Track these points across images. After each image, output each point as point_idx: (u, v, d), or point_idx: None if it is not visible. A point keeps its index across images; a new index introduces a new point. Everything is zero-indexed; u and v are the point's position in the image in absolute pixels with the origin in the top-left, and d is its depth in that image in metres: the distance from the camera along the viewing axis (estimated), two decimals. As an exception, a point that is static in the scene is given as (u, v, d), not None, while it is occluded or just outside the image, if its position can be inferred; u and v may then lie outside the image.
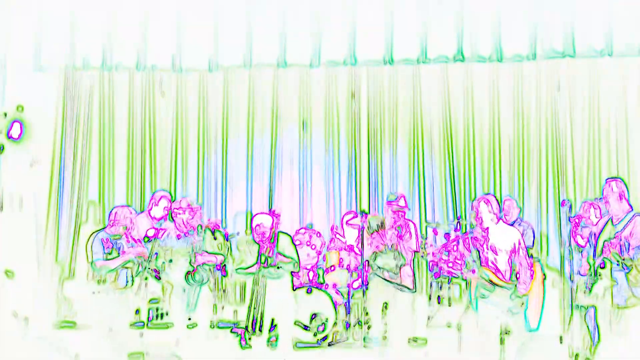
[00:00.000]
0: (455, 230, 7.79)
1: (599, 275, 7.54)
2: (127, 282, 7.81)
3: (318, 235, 7.87)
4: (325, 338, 7.68)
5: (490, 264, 7.65)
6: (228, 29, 8.09)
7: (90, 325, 7.77)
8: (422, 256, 7.75)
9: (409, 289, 7.72)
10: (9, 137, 7.98)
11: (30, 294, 7.84)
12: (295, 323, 7.67)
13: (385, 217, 7.87)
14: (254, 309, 7.70)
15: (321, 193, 7.98)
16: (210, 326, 7.74)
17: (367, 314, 7.69)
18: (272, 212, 7.90)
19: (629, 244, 7.57)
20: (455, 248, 7.74)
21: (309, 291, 7.74)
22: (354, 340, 7.67)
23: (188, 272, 7.79)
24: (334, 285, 7.76)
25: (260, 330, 7.68)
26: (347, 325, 7.68)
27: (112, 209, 7.96)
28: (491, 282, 7.62)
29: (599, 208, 7.67)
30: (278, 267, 7.75)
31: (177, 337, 7.74)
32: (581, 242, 7.65)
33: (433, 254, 7.77)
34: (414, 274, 7.75)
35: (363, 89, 8.05)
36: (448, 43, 8.01)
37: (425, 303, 7.70)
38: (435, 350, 7.63)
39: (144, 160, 8.06)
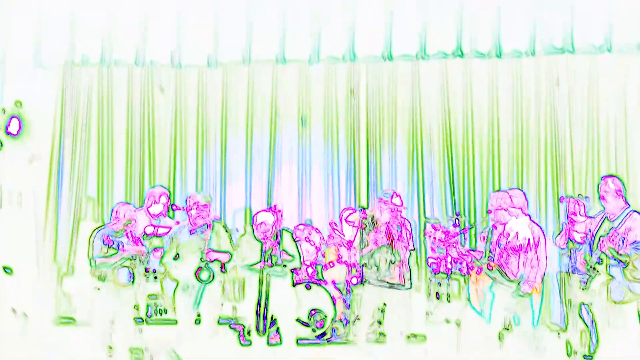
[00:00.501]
0: (454, 226, 7.79)
1: (596, 271, 7.54)
2: (129, 279, 7.81)
3: (317, 231, 7.87)
4: (324, 334, 7.68)
5: (502, 259, 7.65)
6: (227, 25, 8.09)
7: (89, 322, 7.78)
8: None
9: (402, 286, 7.71)
10: (8, 133, 7.98)
11: (29, 291, 7.85)
12: (296, 320, 7.68)
13: (375, 213, 7.87)
14: (260, 308, 7.71)
15: (320, 189, 7.98)
16: (218, 322, 7.75)
17: (365, 310, 7.70)
18: (273, 209, 7.90)
19: (624, 240, 7.57)
20: (455, 244, 7.75)
21: (307, 287, 7.74)
22: (353, 337, 7.68)
23: (197, 269, 7.79)
24: (333, 282, 7.76)
25: (265, 329, 7.69)
26: (346, 322, 7.69)
27: (114, 206, 7.96)
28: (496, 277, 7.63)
29: (583, 205, 7.67)
30: (284, 266, 7.75)
31: (179, 334, 7.75)
32: (577, 238, 7.66)
33: (432, 249, 7.78)
34: (410, 272, 7.75)
35: (362, 85, 8.05)
36: (447, 39, 8.01)
37: (424, 299, 7.71)
38: (434, 346, 7.63)
39: (143, 157, 8.06)
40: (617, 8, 7.90)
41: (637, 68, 7.87)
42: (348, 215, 7.88)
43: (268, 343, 7.69)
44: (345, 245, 7.83)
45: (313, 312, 7.71)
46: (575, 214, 7.67)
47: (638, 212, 7.64)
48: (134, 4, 8.12)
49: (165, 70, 8.11)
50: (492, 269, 7.65)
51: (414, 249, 7.79)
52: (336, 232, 7.86)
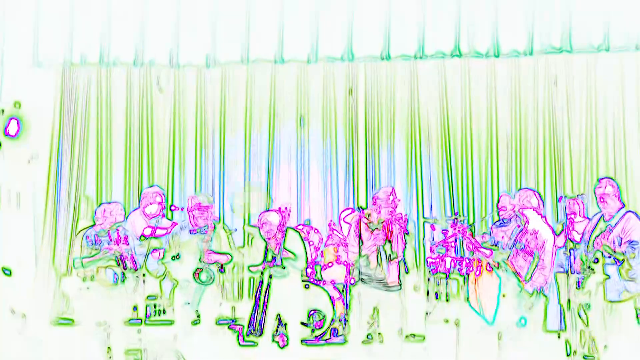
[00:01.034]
0: (452, 226, 7.80)
1: (592, 270, 7.56)
2: (114, 280, 7.80)
3: (316, 231, 7.88)
4: (323, 334, 7.69)
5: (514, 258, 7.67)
6: (225, 25, 8.08)
7: (88, 322, 7.78)
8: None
9: (396, 286, 7.72)
10: (7, 134, 7.97)
11: (28, 291, 7.84)
12: (301, 324, 7.69)
13: (371, 212, 7.88)
14: (258, 308, 7.71)
15: (319, 189, 7.98)
16: (216, 323, 7.76)
17: (364, 310, 7.71)
18: (280, 210, 7.89)
19: (621, 240, 7.59)
20: (453, 243, 7.76)
21: (306, 287, 7.75)
22: (352, 337, 7.68)
23: (196, 270, 7.79)
24: (332, 281, 7.77)
25: (260, 330, 7.69)
26: (344, 322, 7.69)
27: (100, 206, 7.95)
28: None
29: (583, 205, 7.70)
30: (283, 267, 7.75)
31: (177, 334, 7.75)
32: (577, 238, 7.68)
33: (431, 249, 7.79)
34: (405, 268, 7.75)
35: (360, 84, 8.04)
36: (445, 39, 8.01)
37: (423, 299, 7.72)
38: (433, 346, 7.64)
39: (141, 156, 8.06)
40: (614, 7, 7.90)
41: (634, 67, 7.87)
42: (346, 216, 7.88)
43: (278, 345, 7.69)
44: (344, 245, 7.83)
45: (312, 312, 7.71)
46: (575, 214, 7.69)
47: (633, 212, 7.66)
48: (132, 4, 8.10)
49: (163, 70, 8.10)
50: (498, 267, 7.66)
51: (408, 234, 7.79)
52: (335, 232, 7.87)
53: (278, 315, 7.68)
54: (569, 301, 7.59)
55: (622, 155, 7.80)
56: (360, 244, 7.81)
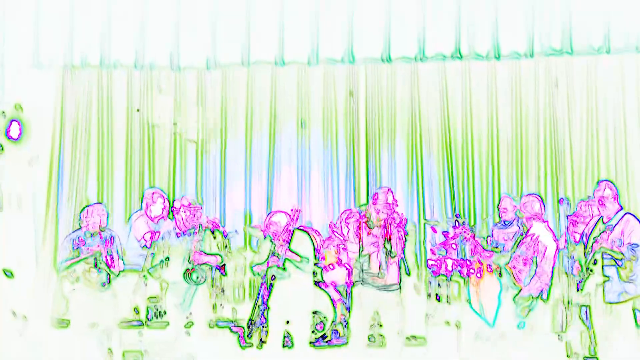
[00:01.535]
0: (454, 227, 7.80)
1: (591, 271, 7.56)
2: (104, 283, 7.81)
3: (317, 233, 7.88)
4: (324, 336, 7.69)
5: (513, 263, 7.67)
6: (226, 28, 8.08)
7: (89, 324, 7.78)
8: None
9: (394, 286, 7.72)
10: (9, 137, 7.97)
11: (29, 293, 7.84)
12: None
13: (371, 213, 7.88)
14: (258, 307, 7.72)
15: (320, 191, 7.98)
16: (209, 325, 7.75)
17: (365, 312, 7.71)
18: (292, 211, 7.88)
19: (622, 242, 7.60)
20: (455, 246, 7.76)
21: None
22: (353, 339, 7.69)
23: (187, 270, 7.79)
24: (333, 284, 7.77)
25: (260, 327, 7.69)
26: (345, 323, 7.69)
27: (84, 208, 7.94)
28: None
29: (593, 206, 7.71)
30: (284, 269, 7.74)
31: (175, 336, 7.75)
32: (576, 238, 7.69)
33: (432, 251, 7.79)
34: (406, 268, 7.76)
35: (361, 87, 8.05)
36: (446, 41, 8.01)
37: (424, 301, 7.72)
38: (434, 348, 7.64)
39: (142, 159, 8.06)
40: (614, 9, 7.90)
41: (635, 69, 7.88)
42: (347, 217, 7.88)
43: (283, 344, 7.70)
44: (345, 247, 7.83)
45: (313, 314, 7.71)
46: (583, 217, 7.69)
47: (632, 215, 7.67)
48: (133, 6, 8.11)
49: (164, 72, 8.11)
50: (499, 270, 7.66)
51: (407, 234, 7.79)
52: (336, 234, 7.87)
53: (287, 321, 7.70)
54: (569, 302, 7.59)
55: (622, 157, 7.80)
56: (361, 245, 7.81)
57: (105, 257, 7.81)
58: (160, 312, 7.77)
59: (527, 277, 7.64)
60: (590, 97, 7.89)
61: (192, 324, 7.74)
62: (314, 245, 7.82)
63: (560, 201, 7.77)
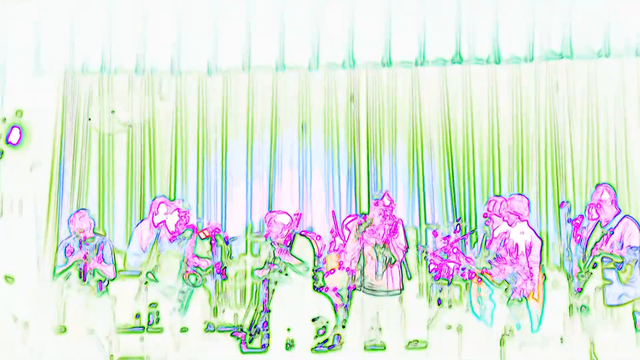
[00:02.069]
0: (455, 232, 7.80)
1: (590, 274, 7.57)
2: (100, 289, 7.81)
3: (318, 238, 7.87)
4: (326, 341, 7.68)
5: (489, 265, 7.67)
6: (227, 32, 8.09)
7: (89, 330, 7.78)
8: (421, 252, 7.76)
9: (396, 292, 7.72)
10: (8, 142, 7.97)
11: (30, 299, 7.84)
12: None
13: (373, 216, 7.88)
14: (258, 311, 7.71)
15: (321, 196, 7.98)
16: (205, 330, 7.74)
17: (366, 316, 7.71)
18: (295, 215, 7.88)
19: (622, 245, 7.61)
20: (455, 249, 7.76)
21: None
22: (354, 343, 7.68)
23: (184, 273, 7.79)
24: (334, 288, 7.76)
25: (259, 332, 7.69)
26: (346, 328, 7.70)
27: (71, 215, 7.94)
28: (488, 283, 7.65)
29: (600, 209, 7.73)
30: (286, 274, 7.74)
31: (174, 341, 7.75)
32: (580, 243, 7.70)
33: (433, 254, 7.79)
34: (408, 273, 7.75)
35: (362, 91, 8.05)
36: (446, 45, 8.02)
37: (425, 305, 7.71)
38: (435, 352, 7.64)
39: (143, 164, 8.06)
40: (614, 13, 7.91)
41: (635, 72, 7.88)
42: (348, 222, 7.88)
43: (286, 347, 7.70)
44: (345, 251, 7.83)
45: (312, 320, 7.71)
46: (584, 219, 7.70)
47: (631, 217, 7.67)
48: (134, 11, 8.12)
49: (165, 77, 8.11)
50: (479, 275, 7.66)
51: (408, 248, 7.79)
52: (337, 238, 7.86)
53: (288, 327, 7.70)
54: (570, 305, 7.60)
55: (623, 161, 7.80)
56: (361, 250, 7.82)
57: (95, 263, 7.80)
58: (160, 318, 7.77)
59: (510, 277, 7.64)
60: (591, 101, 7.89)
61: (187, 329, 7.74)
62: (314, 250, 7.82)
63: (561, 205, 7.77)
